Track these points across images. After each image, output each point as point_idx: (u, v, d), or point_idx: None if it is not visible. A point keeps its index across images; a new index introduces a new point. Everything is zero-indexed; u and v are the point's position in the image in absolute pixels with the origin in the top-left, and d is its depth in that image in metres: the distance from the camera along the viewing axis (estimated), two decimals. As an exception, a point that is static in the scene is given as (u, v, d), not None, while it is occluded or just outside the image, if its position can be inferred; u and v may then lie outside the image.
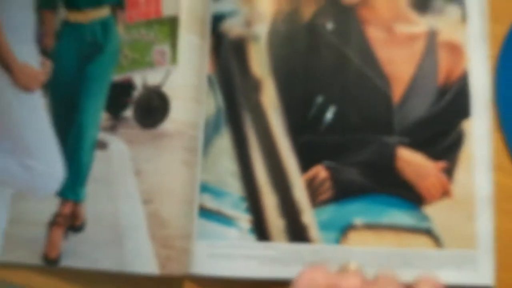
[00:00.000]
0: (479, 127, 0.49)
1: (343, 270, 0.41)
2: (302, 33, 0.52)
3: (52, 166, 0.50)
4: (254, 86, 0.51)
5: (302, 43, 0.51)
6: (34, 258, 0.48)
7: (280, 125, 0.50)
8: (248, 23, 0.52)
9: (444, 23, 0.52)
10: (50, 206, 0.49)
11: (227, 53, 0.51)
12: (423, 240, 0.46)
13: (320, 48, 0.51)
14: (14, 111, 0.50)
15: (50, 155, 0.50)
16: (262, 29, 0.51)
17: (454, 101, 0.50)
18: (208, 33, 0.52)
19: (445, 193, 0.47)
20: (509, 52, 0.51)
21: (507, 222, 0.48)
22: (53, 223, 0.49)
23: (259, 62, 0.51)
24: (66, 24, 0.53)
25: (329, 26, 0.52)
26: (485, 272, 0.46)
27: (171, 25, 0.52)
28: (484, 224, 0.47)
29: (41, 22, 0.53)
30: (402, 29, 0.52)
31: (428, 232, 0.47)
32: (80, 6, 0.52)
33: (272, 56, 0.51)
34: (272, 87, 0.50)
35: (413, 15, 0.52)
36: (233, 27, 0.52)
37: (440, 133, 0.49)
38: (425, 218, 0.47)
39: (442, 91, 0.50)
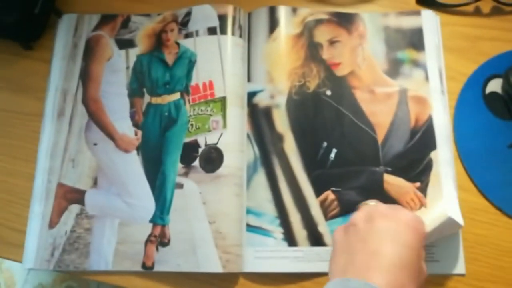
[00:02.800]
0: (443, 156, 0.56)
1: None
2: (309, 99, 0.59)
3: (145, 202, 0.56)
4: (279, 138, 0.58)
5: (310, 106, 0.59)
6: (135, 266, 0.54)
7: (298, 164, 0.57)
8: (272, 96, 0.59)
9: (412, 83, 0.59)
10: (145, 229, 0.54)
11: (259, 117, 0.59)
12: (407, 240, 0.52)
13: (323, 108, 0.59)
14: (118, 166, 0.57)
15: (144, 195, 0.56)
16: (281, 100, 0.59)
17: (423, 138, 0.57)
18: (246, 105, 0.60)
19: (421, 205, 0.54)
20: (463, 103, 0.59)
21: (471, 227, 0.54)
22: (148, 241, 0.54)
23: (281, 121, 0.58)
24: (150, 105, 0.60)
25: (328, 92, 0.60)
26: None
27: (221, 102, 0.59)
28: (452, 227, 0.52)
29: (132, 105, 0.60)
30: (381, 90, 0.59)
31: (411, 234, 0.52)
32: (159, 93, 0.60)
33: (290, 117, 0.59)
34: (291, 138, 0.58)
35: (388, 79, 0.60)
36: (262, 100, 0.60)
37: (415, 162, 0.57)
38: (407, 224, 0.52)
39: (414, 132, 0.57)
